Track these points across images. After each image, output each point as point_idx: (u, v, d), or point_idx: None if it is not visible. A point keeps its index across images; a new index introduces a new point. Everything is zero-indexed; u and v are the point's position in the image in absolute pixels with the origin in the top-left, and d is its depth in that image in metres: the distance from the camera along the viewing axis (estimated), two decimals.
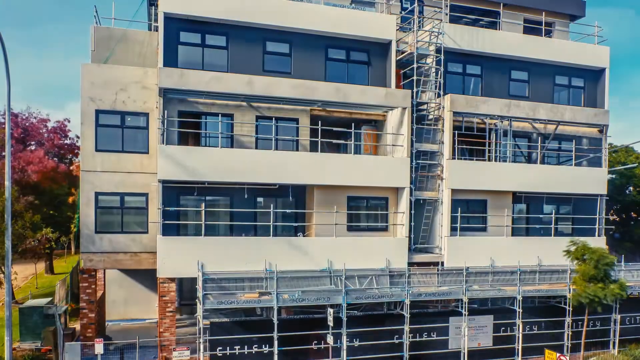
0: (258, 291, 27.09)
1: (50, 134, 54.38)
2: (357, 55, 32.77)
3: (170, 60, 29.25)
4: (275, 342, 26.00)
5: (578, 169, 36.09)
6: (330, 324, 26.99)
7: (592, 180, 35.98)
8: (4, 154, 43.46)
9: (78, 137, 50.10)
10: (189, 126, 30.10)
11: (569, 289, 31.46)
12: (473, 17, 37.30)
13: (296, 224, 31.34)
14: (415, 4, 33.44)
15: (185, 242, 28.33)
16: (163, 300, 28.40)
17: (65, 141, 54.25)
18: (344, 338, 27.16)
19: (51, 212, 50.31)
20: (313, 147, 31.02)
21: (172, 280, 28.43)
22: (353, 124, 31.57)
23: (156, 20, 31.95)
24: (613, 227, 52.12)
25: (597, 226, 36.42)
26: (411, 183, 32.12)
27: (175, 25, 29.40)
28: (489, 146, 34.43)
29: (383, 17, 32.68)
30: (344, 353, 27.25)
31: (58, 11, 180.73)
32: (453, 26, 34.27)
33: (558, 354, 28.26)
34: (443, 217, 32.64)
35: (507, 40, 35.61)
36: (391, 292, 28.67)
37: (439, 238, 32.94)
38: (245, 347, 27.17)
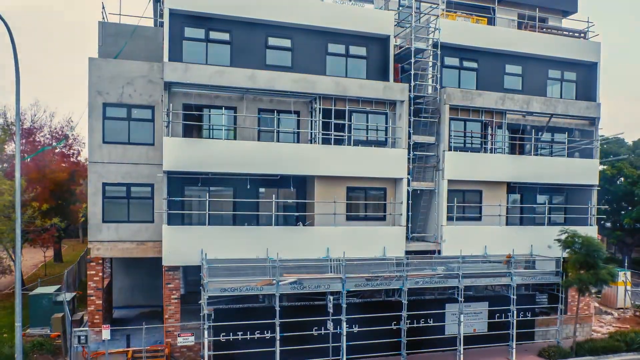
0: (260, 279, 27.13)
1: (57, 126, 54.48)
2: (356, 50, 32.72)
3: (175, 54, 29.25)
4: (277, 328, 26.04)
5: (570, 160, 36.10)
6: (330, 310, 27.05)
7: (584, 171, 35.97)
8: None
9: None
10: (193, 119, 30.09)
11: (562, 276, 31.54)
12: (469, 12, 37.15)
13: (297, 214, 31.39)
14: (413, 0, 33.35)
15: (190, 231, 28.38)
16: (168, 288, 28.45)
17: (72, 132, 54.24)
18: (344, 324, 27.20)
19: (59, 201, 50.35)
20: (314, 139, 31.05)
21: (177, 268, 28.49)
22: (353, 117, 31.62)
23: (161, 16, 31.89)
24: (604, 216, 52.36)
25: (589, 215, 36.48)
26: (408, 174, 32.16)
27: (180, 20, 29.37)
28: (484, 138, 34.46)
29: (381, 13, 32.62)
30: (343, 339, 27.30)
31: None
32: (449, 22, 34.23)
33: None
34: (440, 207, 32.65)
35: (502, 35, 35.56)
36: (389, 280, 28.69)
37: (436, 227, 32.99)
38: (248, 333, 27.29)
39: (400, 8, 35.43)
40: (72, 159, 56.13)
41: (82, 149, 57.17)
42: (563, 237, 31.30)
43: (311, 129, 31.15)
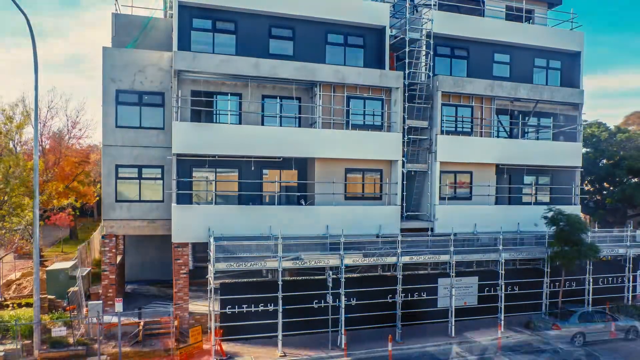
0: (264, 254, 27.13)
1: (71, 112, 54.54)
2: (354, 40, 32.61)
3: (184, 44, 29.15)
4: (280, 301, 26.06)
5: (555, 143, 36.19)
6: (330, 284, 27.07)
7: (569, 154, 36.07)
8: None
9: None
10: (200, 104, 30.01)
11: (547, 252, 31.59)
12: (460, 4, 36.93)
13: (298, 194, 31.37)
14: None
15: (198, 210, 28.35)
16: (177, 263, 28.45)
17: (85, 117, 54.31)
18: (342, 297, 27.23)
19: (76, 182, 50.29)
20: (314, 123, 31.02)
21: (185, 244, 28.48)
22: (351, 102, 31.58)
23: (171, 8, 31.76)
24: (587, 196, 52.40)
25: (572, 195, 36.58)
26: (403, 156, 32.16)
27: (188, 12, 29.25)
28: (474, 122, 34.42)
29: (378, 5, 32.43)
30: (342, 311, 27.32)
31: None
32: (442, 13, 34.08)
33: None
34: (433, 188, 32.69)
35: (491, 26, 35.43)
36: (385, 256, 28.70)
37: (429, 206, 33.03)
38: (253, 305, 27.31)
39: (396, 0, 35.28)
40: (86, 141, 56.19)
41: (94, 132, 57.20)
42: (550, 214, 31.47)
43: (312, 114, 31.10)
